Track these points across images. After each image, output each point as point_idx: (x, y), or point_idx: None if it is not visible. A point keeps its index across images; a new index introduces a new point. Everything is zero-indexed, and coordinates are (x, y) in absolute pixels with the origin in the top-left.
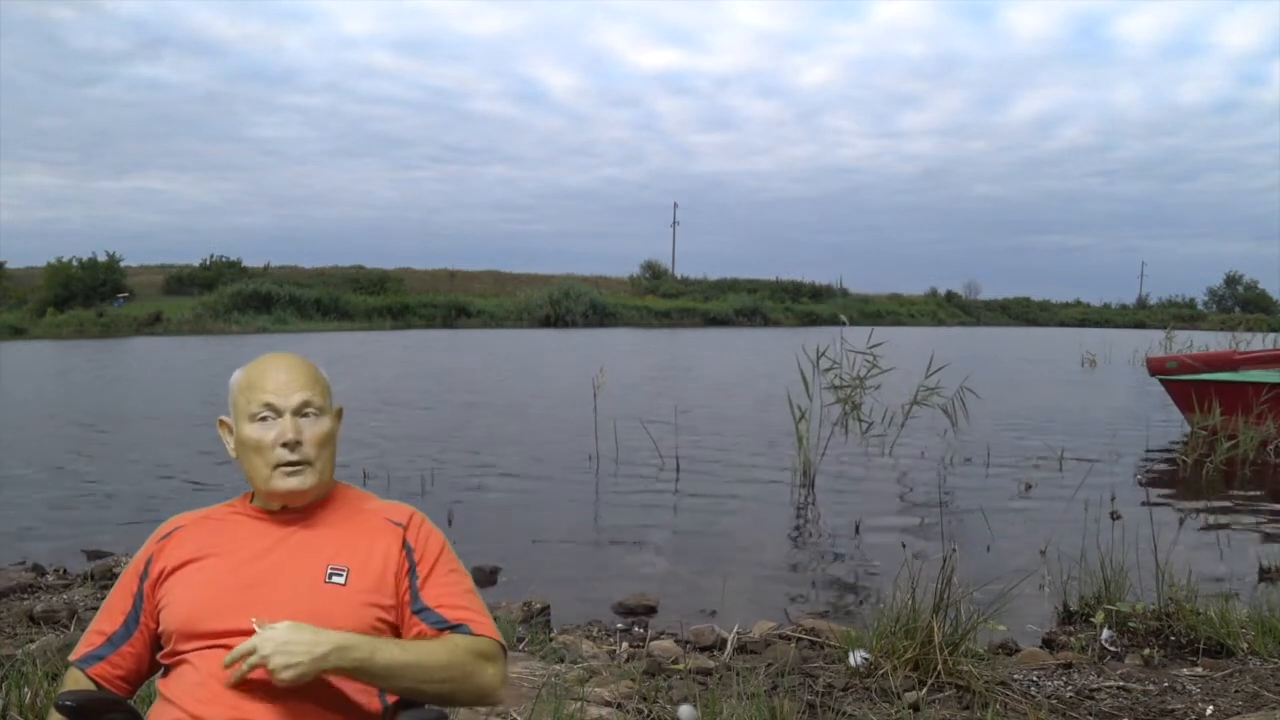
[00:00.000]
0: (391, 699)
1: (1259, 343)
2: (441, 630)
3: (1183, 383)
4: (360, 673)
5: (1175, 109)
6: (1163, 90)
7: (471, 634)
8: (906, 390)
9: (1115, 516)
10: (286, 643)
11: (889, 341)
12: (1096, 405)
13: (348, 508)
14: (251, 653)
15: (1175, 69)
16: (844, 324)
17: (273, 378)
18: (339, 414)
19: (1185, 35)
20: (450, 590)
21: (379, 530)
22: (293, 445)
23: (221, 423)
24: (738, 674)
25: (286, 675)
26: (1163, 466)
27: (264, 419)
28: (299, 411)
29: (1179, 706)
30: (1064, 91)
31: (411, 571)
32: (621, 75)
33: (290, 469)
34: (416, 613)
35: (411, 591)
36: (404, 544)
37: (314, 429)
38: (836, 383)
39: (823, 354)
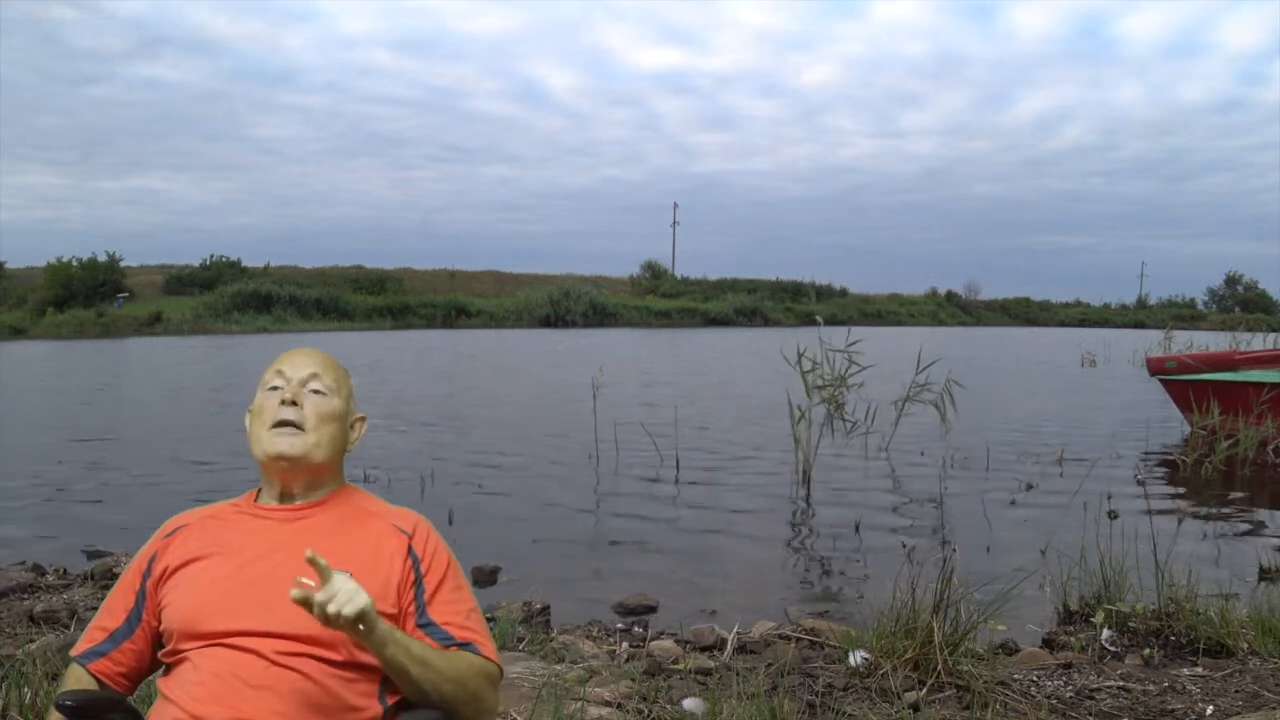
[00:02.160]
0: (391, 699)
1: (1259, 343)
2: (448, 647)
3: (1182, 383)
4: (389, 642)
5: (1176, 108)
6: (1164, 90)
7: (479, 654)
8: (902, 389)
9: (1114, 516)
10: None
11: (885, 336)
12: (1096, 405)
13: (354, 510)
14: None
15: (1177, 68)
16: (819, 324)
17: (292, 356)
18: (362, 421)
19: (1187, 35)
20: (458, 609)
21: (384, 536)
22: (288, 403)
23: (250, 412)
24: (738, 674)
25: (349, 610)
26: (1162, 466)
27: (274, 388)
28: (305, 383)
29: (1179, 706)
30: (1065, 91)
31: (418, 583)
32: (622, 75)
33: (283, 429)
34: (422, 627)
35: (418, 604)
36: (409, 552)
37: (317, 402)
38: (818, 383)
39: (803, 354)
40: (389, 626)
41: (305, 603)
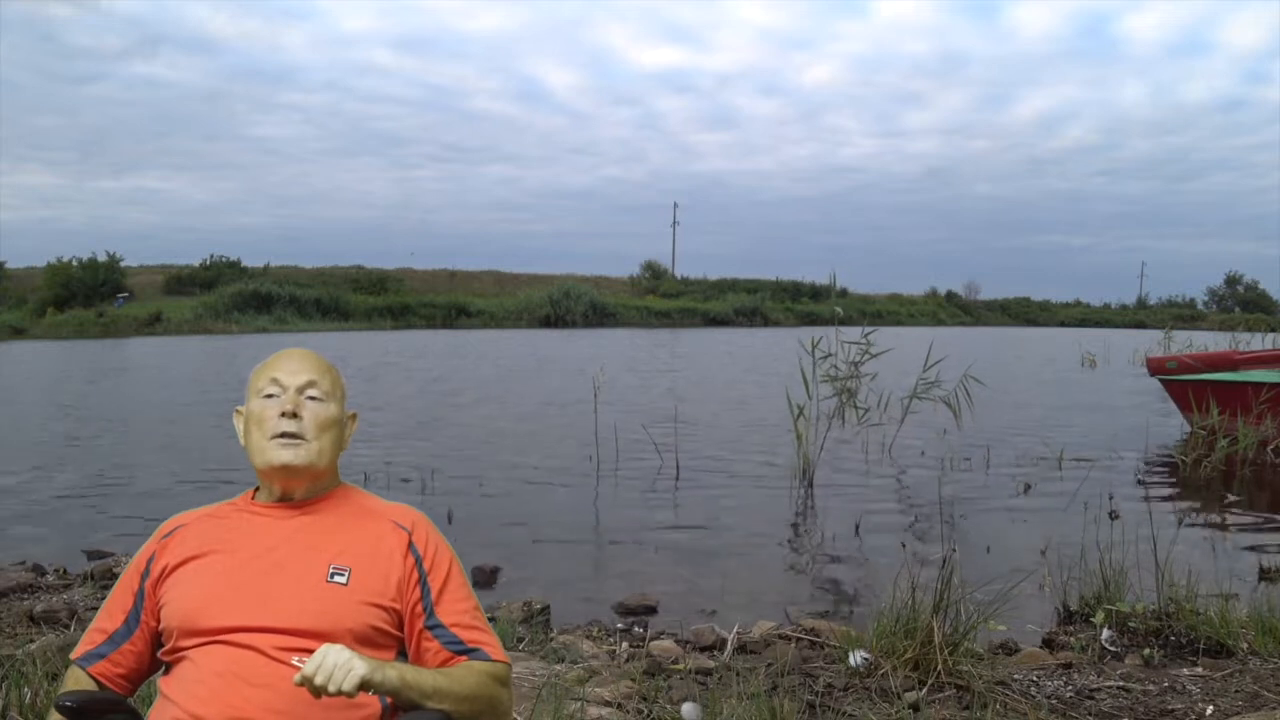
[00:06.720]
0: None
1: (1259, 343)
2: (457, 653)
3: (1182, 383)
4: (401, 688)
5: (1179, 108)
6: (1167, 89)
7: (489, 659)
8: (907, 386)
9: (1114, 516)
10: (345, 661)
11: (884, 336)
12: (1096, 405)
13: (352, 507)
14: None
15: (1180, 67)
16: (839, 314)
17: (285, 361)
18: (353, 418)
19: (1190, 34)
20: (464, 610)
21: (383, 532)
22: (289, 415)
23: (238, 412)
24: (738, 674)
25: (348, 685)
26: (1162, 466)
27: (270, 395)
28: (303, 390)
29: (1179, 706)
30: (1068, 90)
31: (423, 583)
32: (622, 74)
33: (285, 440)
34: (430, 628)
35: (425, 606)
36: (410, 548)
37: (316, 410)
38: (833, 373)
39: (817, 344)
40: (396, 672)
41: (306, 685)
